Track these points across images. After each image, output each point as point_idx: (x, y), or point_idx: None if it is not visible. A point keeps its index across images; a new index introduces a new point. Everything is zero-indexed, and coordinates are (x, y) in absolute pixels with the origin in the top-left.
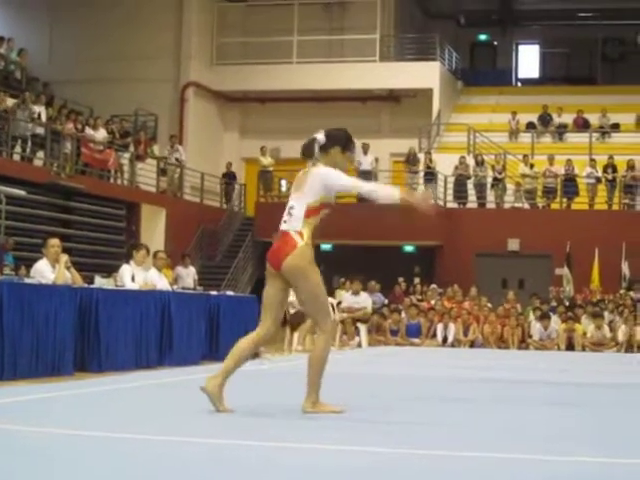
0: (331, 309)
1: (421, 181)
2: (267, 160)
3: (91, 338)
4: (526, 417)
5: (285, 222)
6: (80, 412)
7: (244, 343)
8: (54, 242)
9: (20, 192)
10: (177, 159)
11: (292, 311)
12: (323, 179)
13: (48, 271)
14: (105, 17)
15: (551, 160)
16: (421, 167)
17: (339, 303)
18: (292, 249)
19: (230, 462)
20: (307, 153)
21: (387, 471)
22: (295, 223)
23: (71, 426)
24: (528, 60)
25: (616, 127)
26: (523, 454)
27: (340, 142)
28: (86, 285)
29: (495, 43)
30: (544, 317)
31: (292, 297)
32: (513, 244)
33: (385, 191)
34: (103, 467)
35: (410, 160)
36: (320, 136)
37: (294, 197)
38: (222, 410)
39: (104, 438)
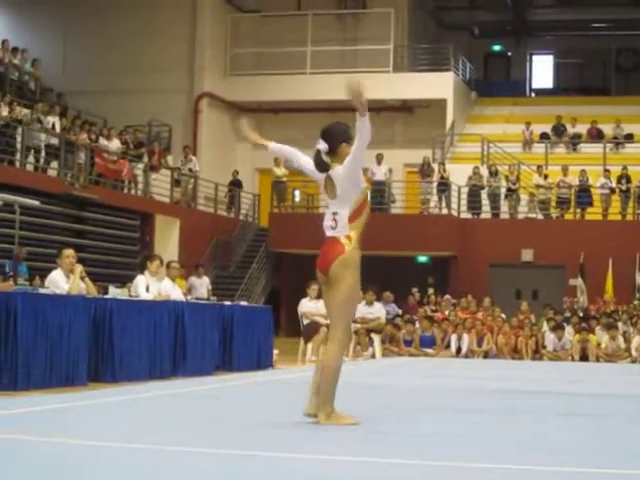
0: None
1: (435, 191)
2: (281, 171)
3: (105, 348)
4: (539, 428)
5: (333, 228)
6: (94, 422)
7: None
8: (69, 253)
9: (34, 202)
10: (190, 169)
11: (305, 322)
12: (346, 178)
13: (62, 281)
14: (119, 28)
15: (565, 171)
16: (435, 177)
17: None
18: (341, 252)
19: (244, 473)
20: (323, 167)
21: None
22: (342, 229)
23: (85, 437)
24: (542, 70)
25: (630, 137)
26: (538, 465)
27: (343, 137)
28: (100, 295)
29: (509, 54)
30: (558, 328)
31: (305, 308)
32: (527, 255)
33: (361, 124)
34: (117, 478)
35: (424, 170)
36: (322, 146)
37: (333, 203)
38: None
39: (118, 449)
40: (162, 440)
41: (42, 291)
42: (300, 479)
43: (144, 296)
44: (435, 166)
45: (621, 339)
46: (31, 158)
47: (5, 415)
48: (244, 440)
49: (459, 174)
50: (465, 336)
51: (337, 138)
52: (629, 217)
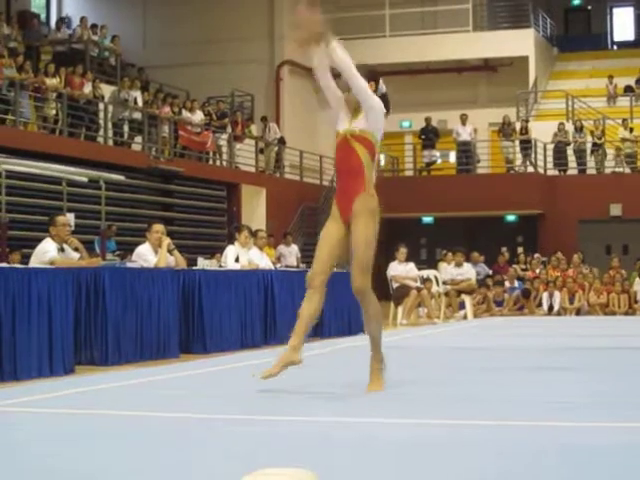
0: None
1: (518, 149)
2: None
3: (195, 320)
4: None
5: None
6: (188, 394)
7: None
8: (158, 228)
9: (119, 177)
10: (271, 139)
11: (395, 285)
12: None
13: (150, 254)
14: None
15: None
16: (518, 135)
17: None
18: None
19: (334, 439)
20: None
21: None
22: None
23: (181, 409)
24: (623, 23)
25: None
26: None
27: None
28: (189, 267)
29: (589, 7)
30: None
31: (394, 271)
32: (615, 209)
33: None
34: (214, 447)
35: (504, 129)
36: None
37: None
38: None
39: (209, 420)
40: (254, 409)
41: (129, 265)
42: (384, 442)
43: (232, 266)
44: (517, 124)
45: None
46: (112, 133)
47: (98, 390)
48: (335, 406)
49: (544, 131)
50: (557, 294)
51: None
52: None
